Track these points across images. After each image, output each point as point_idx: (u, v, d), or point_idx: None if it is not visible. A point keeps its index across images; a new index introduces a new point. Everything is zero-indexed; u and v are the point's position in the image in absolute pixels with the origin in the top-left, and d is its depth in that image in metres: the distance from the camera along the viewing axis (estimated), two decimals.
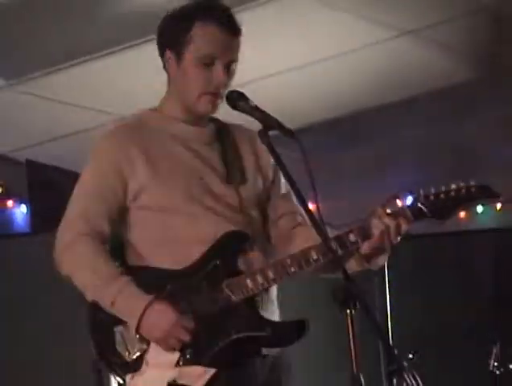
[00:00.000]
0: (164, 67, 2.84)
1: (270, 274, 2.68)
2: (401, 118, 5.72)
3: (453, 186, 2.68)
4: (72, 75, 4.86)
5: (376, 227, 2.66)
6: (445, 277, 5.88)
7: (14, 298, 5.17)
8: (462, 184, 2.68)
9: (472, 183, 2.67)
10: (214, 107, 2.79)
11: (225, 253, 2.72)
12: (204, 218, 2.73)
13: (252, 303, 2.70)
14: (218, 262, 2.70)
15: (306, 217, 2.67)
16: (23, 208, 6.00)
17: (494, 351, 4.35)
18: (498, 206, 6.60)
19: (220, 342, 2.64)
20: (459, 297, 5.78)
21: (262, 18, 4.49)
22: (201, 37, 2.75)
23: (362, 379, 2.39)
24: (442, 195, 2.69)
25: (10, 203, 5.96)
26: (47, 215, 5.83)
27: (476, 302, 5.61)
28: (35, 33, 4.46)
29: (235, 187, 2.81)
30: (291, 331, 2.73)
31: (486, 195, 2.70)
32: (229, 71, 2.78)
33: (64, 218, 2.79)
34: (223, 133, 2.88)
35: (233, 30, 2.78)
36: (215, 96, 2.76)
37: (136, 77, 4.67)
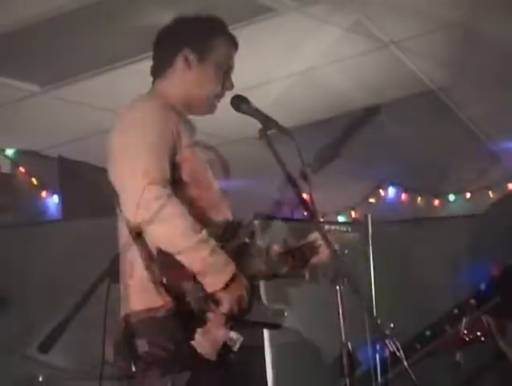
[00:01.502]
0: (169, 61, 2.77)
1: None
2: (384, 119, 5.72)
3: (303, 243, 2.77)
4: (99, 81, 4.86)
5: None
6: (422, 255, 5.90)
7: (48, 278, 5.16)
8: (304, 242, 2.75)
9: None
10: (215, 109, 2.79)
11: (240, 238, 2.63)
12: (220, 202, 2.69)
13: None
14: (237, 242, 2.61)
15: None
16: (55, 199, 6.00)
17: (464, 320, 4.37)
18: (468, 195, 6.61)
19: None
20: (434, 274, 5.79)
21: (268, 32, 4.50)
22: (223, 47, 2.76)
23: (350, 346, 2.40)
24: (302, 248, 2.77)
25: (43, 194, 5.96)
26: (75, 205, 5.85)
27: (449, 278, 5.60)
28: (66, 46, 4.46)
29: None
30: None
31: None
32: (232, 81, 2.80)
33: (144, 168, 2.48)
34: None
35: (237, 47, 2.82)
36: (218, 100, 2.77)
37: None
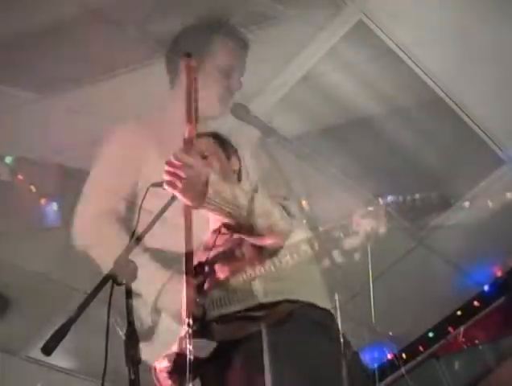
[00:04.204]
0: (177, 73, 2.82)
1: None
2: (386, 127, 5.73)
3: (418, 196, 2.70)
4: (99, 89, 4.88)
5: (358, 227, 2.71)
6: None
7: (50, 282, 5.18)
8: (427, 195, 2.70)
9: (434, 195, 2.71)
10: (227, 110, 2.81)
11: None
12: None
13: None
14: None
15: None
16: (54, 206, 6.02)
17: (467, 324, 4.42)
18: (467, 204, 6.61)
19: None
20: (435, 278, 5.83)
21: (271, 39, 4.52)
22: (221, 49, 2.78)
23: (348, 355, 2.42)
24: (409, 203, 2.73)
25: (43, 201, 5.98)
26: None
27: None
28: (66, 53, 4.49)
29: None
30: None
31: (445, 204, 2.71)
32: (239, 80, 2.81)
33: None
34: None
35: (245, 44, 2.82)
36: (229, 101, 2.79)
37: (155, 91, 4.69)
